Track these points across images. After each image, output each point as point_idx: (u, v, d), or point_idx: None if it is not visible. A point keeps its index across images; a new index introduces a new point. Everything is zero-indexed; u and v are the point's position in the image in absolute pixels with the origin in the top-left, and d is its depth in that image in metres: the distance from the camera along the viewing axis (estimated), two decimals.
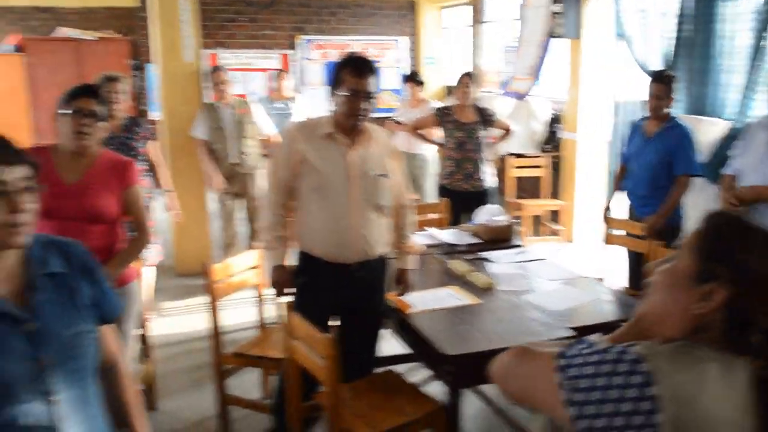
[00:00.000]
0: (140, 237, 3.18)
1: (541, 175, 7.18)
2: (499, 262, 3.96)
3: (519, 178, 7.25)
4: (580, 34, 6.81)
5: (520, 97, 7.61)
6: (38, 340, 1.63)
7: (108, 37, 11.07)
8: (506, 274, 3.74)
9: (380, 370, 3.40)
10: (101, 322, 1.84)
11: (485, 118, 5.49)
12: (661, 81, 4.39)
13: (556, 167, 7.35)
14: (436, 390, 3.28)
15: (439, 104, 6.48)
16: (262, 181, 5.97)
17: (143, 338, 3.85)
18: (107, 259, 3.01)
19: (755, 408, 1.25)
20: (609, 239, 4.66)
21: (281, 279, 3.25)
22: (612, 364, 1.27)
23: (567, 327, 2.99)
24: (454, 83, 5.58)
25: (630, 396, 1.23)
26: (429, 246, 4.23)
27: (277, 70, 7.45)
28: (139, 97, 10.68)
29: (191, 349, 4.74)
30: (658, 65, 5.73)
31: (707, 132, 5.14)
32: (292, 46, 10.33)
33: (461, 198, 5.29)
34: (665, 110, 4.42)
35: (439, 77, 10.37)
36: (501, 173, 6.77)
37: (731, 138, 4.90)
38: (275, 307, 4.18)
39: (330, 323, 2.99)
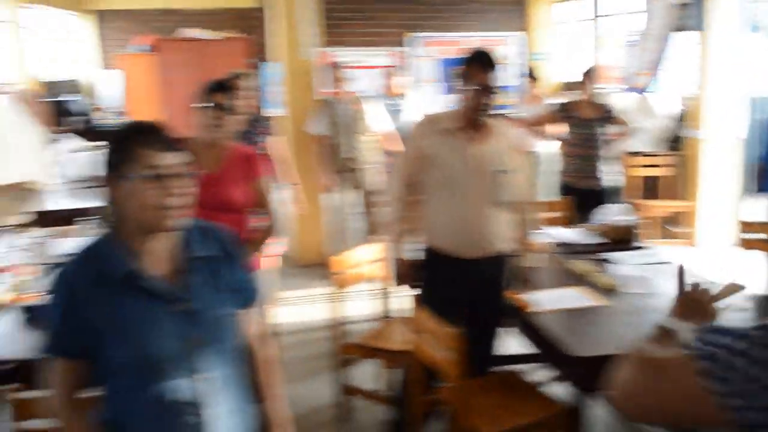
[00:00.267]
0: (268, 227, 3.29)
1: (663, 174, 6.90)
2: (622, 263, 3.82)
3: (639, 177, 6.99)
4: (708, 26, 6.49)
5: (641, 92, 7.35)
6: (189, 320, 1.71)
7: (232, 37, 11.42)
8: (630, 276, 3.61)
9: (498, 369, 3.35)
10: (243, 306, 1.89)
11: (605, 114, 5.34)
12: None
13: (680, 166, 7.04)
14: (558, 392, 3.20)
15: (556, 100, 6.35)
16: (373, 177, 6.03)
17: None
18: None
19: None
20: (746, 243, 4.41)
21: (403, 272, 3.26)
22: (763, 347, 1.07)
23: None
24: (569, 79, 5.45)
25: None
26: (549, 244, 4.14)
27: (391, 67, 7.49)
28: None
29: (310, 338, 4.83)
30: None
31: None
32: (404, 43, 10.36)
33: (582, 196, 5.16)
34: None
35: (551, 73, 10.15)
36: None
37: None
38: (397, 300, 4.20)
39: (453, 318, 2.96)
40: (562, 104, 5.60)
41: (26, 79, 9.89)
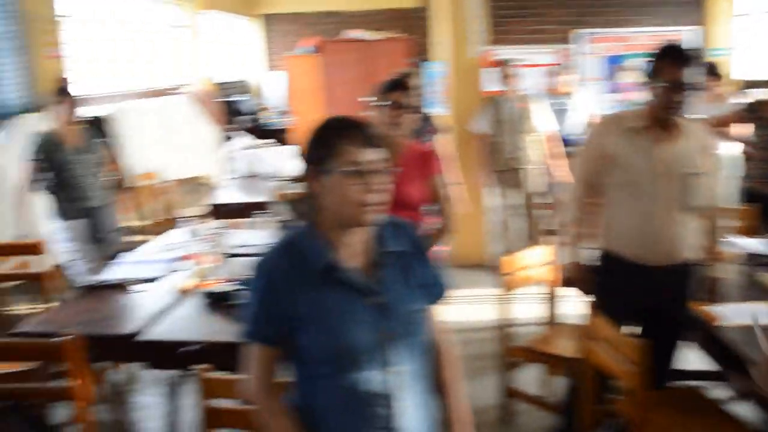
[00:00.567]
0: (445, 225, 3.29)
1: None
2: None
3: None
4: None
5: None
6: (383, 313, 1.73)
7: (393, 37, 11.57)
8: None
9: (676, 383, 3.16)
10: (431, 302, 1.91)
11: None
12: None
13: None
14: (743, 412, 2.97)
15: (741, 100, 5.94)
16: (536, 178, 5.89)
17: None
18: None
19: None
20: None
21: (578, 276, 3.14)
22: None
23: None
24: (754, 77, 5.06)
25: None
26: (737, 254, 3.86)
27: (556, 65, 7.30)
28: None
29: (473, 338, 4.78)
30: None
31: None
32: (569, 41, 10.09)
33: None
34: None
35: (733, 70, 9.51)
36: None
37: None
38: (565, 304, 4.07)
39: (630, 327, 2.83)
40: (750, 104, 5.23)
41: (201, 80, 10.45)
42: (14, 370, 3.12)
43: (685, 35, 9.75)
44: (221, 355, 2.60)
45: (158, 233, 5.79)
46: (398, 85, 3.21)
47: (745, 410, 3.00)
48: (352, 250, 1.76)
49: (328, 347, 1.70)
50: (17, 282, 4.17)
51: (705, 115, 6.14)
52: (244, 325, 1.78)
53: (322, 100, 11.29)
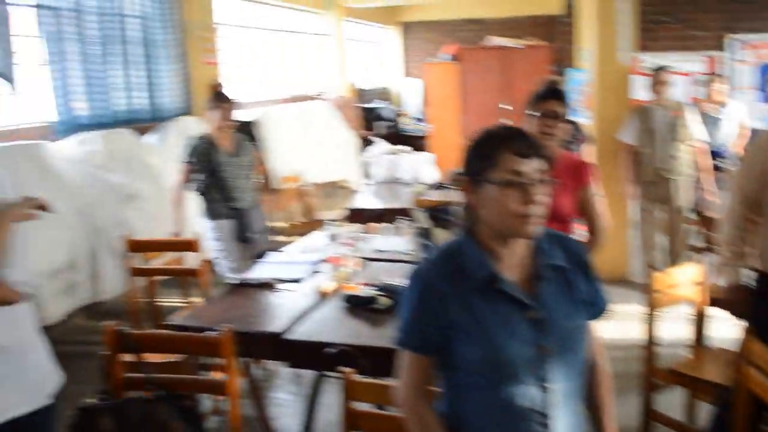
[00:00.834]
0: (595, 238, 3.19)
1: None
2: None
3: None
4: None
5: None
6: (541, 328, 1.69)
7: (532, 44, 11.40)
8: None
9: None
10: (592, 318, 1.86)
11: None
12: None
13: None
14: None
15: None
16: (687, 191, 5.61)
17: None
18: None
19: None
20: None
21: (737, 299, 2.96)
22: None
23: None
24: None
25: None
26: None
27: (708, 73, 6.94)
28: None
29: (612, 356, 4.55)
30: None
31: None
32: (720, 47, 9.58)
33: None
34: None
35: None
36: None
37: None
38: (714, 326, 3.86)
39: None
40: None
41: (342, 87, 10.68)
42: (165, 360, 3.30)
43: None
44: (361, 358, 2.66)
45: (300, 235, 5.98)
46: (552, 94, 3.14)
47: None
48: (511, 262, 1.73)
49: (485, 359, 1.68)
50: (168, 276, 4.41)
51: None
52: (397, 332, 1.79)
53: (458, 108, 11.27)
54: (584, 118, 6.41)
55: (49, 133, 5.10)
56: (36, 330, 2.22)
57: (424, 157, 6.90)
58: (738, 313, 2.99)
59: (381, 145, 7.26)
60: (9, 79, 4.51)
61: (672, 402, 3.81)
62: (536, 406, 1.68)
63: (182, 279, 4.11)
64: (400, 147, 7.19)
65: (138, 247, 3.92)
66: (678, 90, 9.10)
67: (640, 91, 6.48)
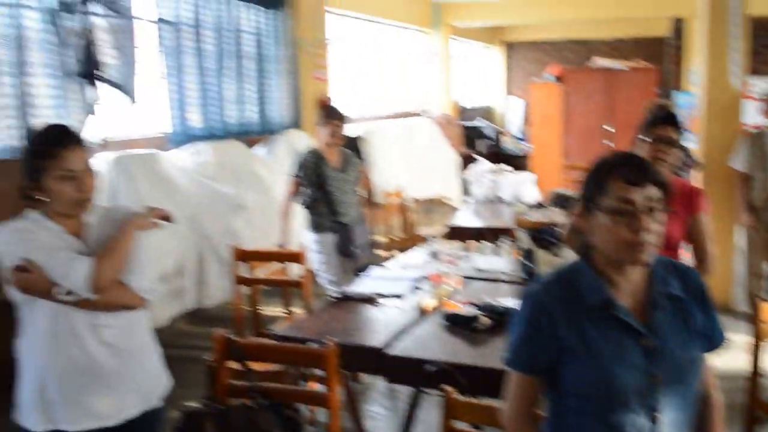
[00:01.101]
0: (703, 265, 3.03)
1: None
2: None
3: None
4: None
5: None
6: (653, 356, 1.64)
7: (637, 66, 11.11)
8: None
9: None
10: (708, 350, 1.77)
11: None
12: None
13: None
14: None
15: None
16: None
17: None
18: None
19: None
20: None
21: None
22: None
23: None
24: None
25: None
26: None
27: None
28: None
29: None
30: None
31: None
32: None
33: None
34: None
35: None
36: None
37: None
38: None
39: None
40: None
41: (447, 104, 10.68)
42: (267, 369, 3.32)
43: None
44: (460, 376, 2.62)
45: (400, 250, 5.96)
46: (667, 120, 3.02)
47: None
48: (625, 289, 1.69)
49: (594, 384, 1.64)
50: (271, 286, 4.45)
51: None
52: (507, 351, 1.76)
53: (560, 129, 11.11)
54: (691, 142, 6.15)
55: (164, 143, 5.28)
56: (151, 334, 2.28)
57: (525, 177, 6.76)
58: None
59: (482, 164, 7.18)
60: (129, 93, 4.68)
61: None
62: None
63: (284, 289, 4.15)
64: (501, 166, 7.08)
65: (245, 256, 3.98)
66: None
67: (751, 115, 6.16)
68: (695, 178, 4.84)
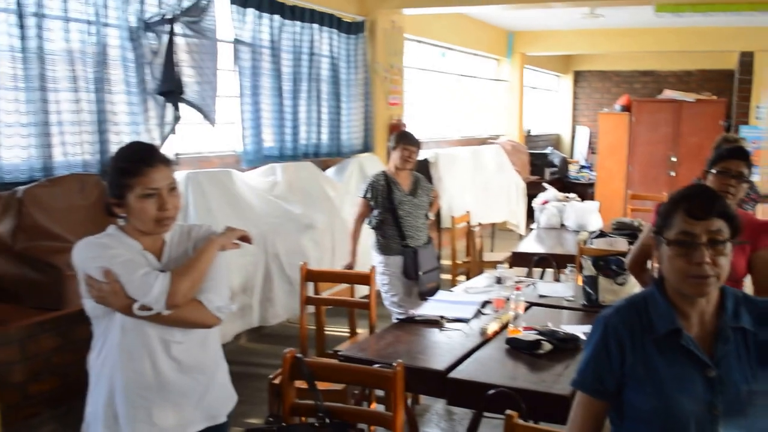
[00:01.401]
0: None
1: None
2: None
3: None
4: None
5: None
6: (716, 388, 1.63)
7: (704, 99, 10.87)
8: None
9: None
10: None
11: None
12: None
13: None
14: None
15: None
16: None
17: None
18: None
19: None
20: None
21: None
22: None
23: None
24: None
25: None
26: None
27: None
28: None
29: None
30: None
31: None
32: None
33: None
34: None
35: None
36: None
37: None
38: None
39: None
40: None
41: (515, 131, 10.62)
42: (329, 388, 3.32)
43: None
44: (521, 401, 2.58)
45: (466, 274, 5.90)
46: (737, 154, 2.94)
47: None
48: (694, 319, 1.70)
49: (655, 411, 1.65)
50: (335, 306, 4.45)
51: None
52: (576, 373, 1.79)
53: (625, 158, 10.97)
54: (756, 176, 5.93)
55: (237, 162, 5.35)
56: (220, 351, 2.28)
57: (589, 205, 6.63)
58: None
59: (548, 191, 7.08)
60: (209, 115, 4.71)
61: None
62: None
63: (350, 309, 4.15)
64: (567, 194, 6.97)
65: (314, 276, 3.99)
66: None
67: None
68: (760, 212, 4.66)
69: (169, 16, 4.33)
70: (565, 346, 3.07)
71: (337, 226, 5.47)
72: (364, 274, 3.88)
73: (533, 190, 8.89)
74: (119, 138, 4.15)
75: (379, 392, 3.51)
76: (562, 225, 6.51)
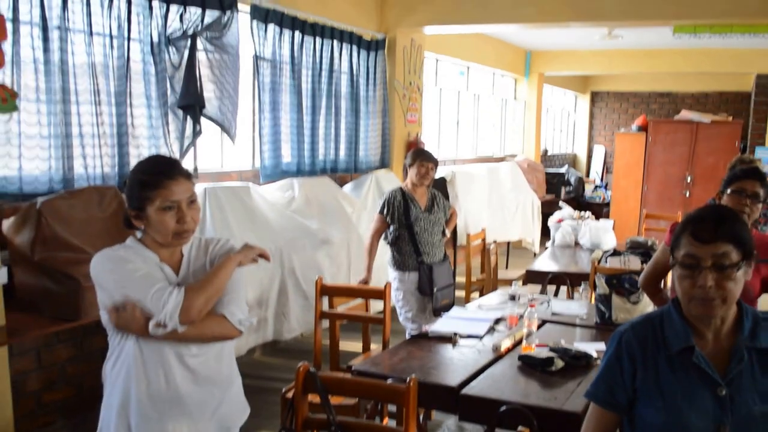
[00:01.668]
0: None
1: None
2: None
3: None
4: None
5: None
6: (726, 406, 1.63)
7: (720, 120, 10.81)
8: None
9: None
10: None
11: None
12: None
13: None
14: None
15: None
16: None
17: None
18: None
19: None
20: None
21: None
22: None
23: None
24: None
25: None
26: None
27: None
28: None
29: None
30: None
31: None
32: None
33: None
34: None
35: None
36: None
37: None
38: None
39: None
40: None
41: (532, 150, 10.61)
42: (341, 403, 3.30)
43: None
44: (533, 418, 2.57)
45: (481, 291, 5.87)
46: (753, 174, 2.90)
47: None
48: (708, 338, 1.70)
49: (666, 427, 1.66)
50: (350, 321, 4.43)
51: None
52: (590, 385, 1.81)
53: (640, 177, 10.94)
54: None
55: (255, 177, 5.36)
56: (235, 364, 2.27)
57: (604, 224, 6.59)
58: None
59: (563, 209, 7.05)
60: (229, 131, 4.73)
61: None
62: None
63: (364, 324, 4.12)
64: (582, 212, 6.93)
65: (329, 291, 3.97)
66: None
67: None
68: None
69: (190, 32, 4.36)
70: (577, 363, 3.05)
71: (353, 242, 5.45)
72: (379, 290, 3.85)
73: (549, 208, 8.86)
74: (139, 151, 4.16)
75: (392, 407, 3.49)
76: (577, 243, 6.47)
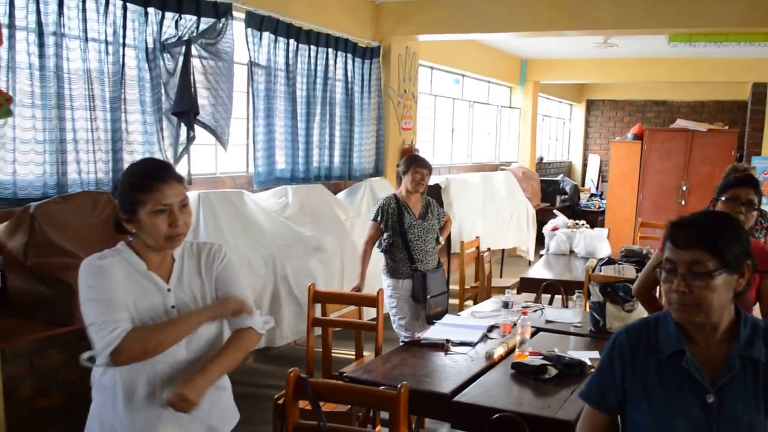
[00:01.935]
0: None
1: None
2: None
3: None
4: None
5: None
6: (712, 413, 1.63)
7: (716, 129, 10.85)
8: None
9: None
10: None
11: None
12: None
13: None
14: None
15: None
16: None
17: None
18: None
19: None
20: None
21: None
22: None
23: None
24: None
25: None
26: None
27: None
28: None
29: None
30: None
31: None
32: None
33: None
34: None
35: None
36: None
37: None
38: None
39: None
40: None
41: (527, 158, 10.64)
42: (333, 410, 3.30)
43: None
44: (525, 426, 2.57)
45: (474, 299, 5.88)
46: (747, 182, 2.92)
47: None
48: (701, 344, 1.70)
49: (652, 428, 1.69)
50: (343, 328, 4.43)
51: None
52: (584, 386, 1.86)
53: (636, 186, 10.96)
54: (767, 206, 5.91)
55: (249, 183, 5.38)
56: None
57: (599, 232, 6.61)
58: None
59: (558, 218, 7.07)
60: (222, 138, 4.75)
61: None
62: None
63: (357, 332, 4.13)
64: (576, 221, 6.96)
65: (322, 298, 3.98)
66: None
67: None
68: None
69: (185, 38, 4.39)
70: (571, 371, 3.05)
71: (346, 249, 5.46)
72: (372, 297, 3.86)
73: (543, 216, 8.89)
74: (133, 157, 4.17)
75: (384, 415, 3.49)
76: (571, 251, 6.49)
